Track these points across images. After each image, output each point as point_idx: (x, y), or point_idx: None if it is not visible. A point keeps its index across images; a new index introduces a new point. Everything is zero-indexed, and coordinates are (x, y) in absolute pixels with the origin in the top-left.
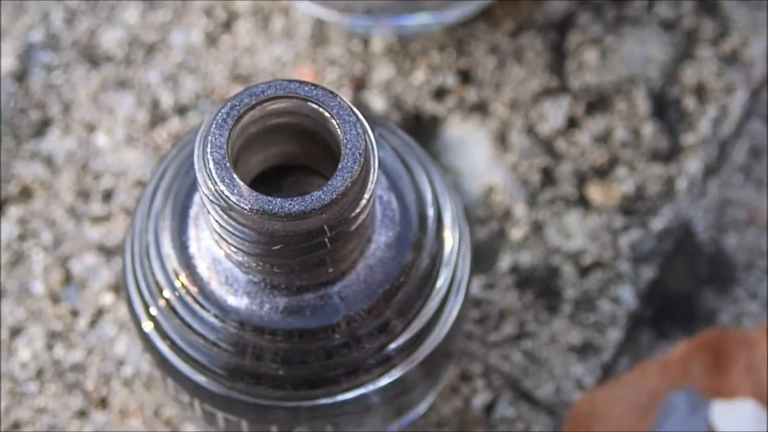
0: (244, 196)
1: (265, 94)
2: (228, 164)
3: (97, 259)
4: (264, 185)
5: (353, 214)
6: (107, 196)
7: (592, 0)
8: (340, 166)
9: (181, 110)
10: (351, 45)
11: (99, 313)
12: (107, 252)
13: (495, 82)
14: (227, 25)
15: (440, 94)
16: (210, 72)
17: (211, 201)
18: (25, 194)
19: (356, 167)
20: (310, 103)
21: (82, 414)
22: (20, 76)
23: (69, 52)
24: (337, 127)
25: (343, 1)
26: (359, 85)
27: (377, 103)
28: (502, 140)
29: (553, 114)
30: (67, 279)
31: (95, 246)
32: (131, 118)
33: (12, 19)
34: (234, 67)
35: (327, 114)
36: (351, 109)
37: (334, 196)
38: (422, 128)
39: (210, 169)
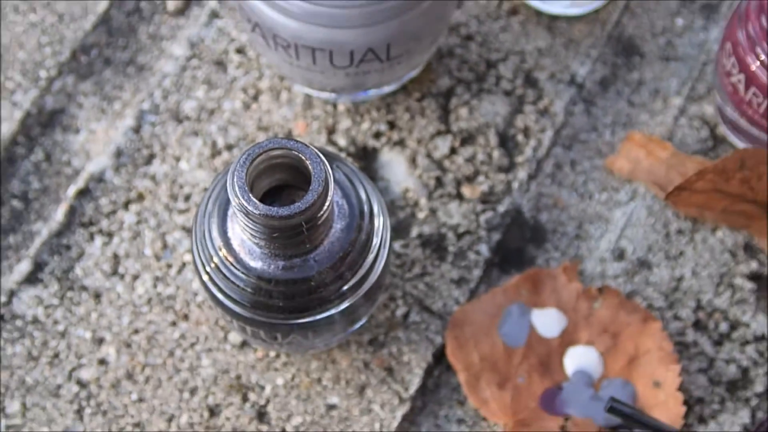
0: (256, 207)
1: (268, 146)
2: (246, 188)
3: (182, 234)
4: (269, 198)
5: (320, 215)
6: (187, 197)
7: (463, 80)
8: (310, 188)
9: (229, 147)
10: (326, 108)
11: (183, 266)
12: (188, 230)
13: (408, 128)
14: (255, 98)
15: (377, 135)
16: (245, 125)
17: (237, 209)
18: (140, 198)
19: (320, 188)
20: (293, 151)
21: (173, 324)
22: (137, 129)
23: (164, 115)
24: (309, 164)
25: (320, 84)
26: (331, 131)
27: (341, 141)
28: (413, 161)
29: (442, 146)
30: (164, 246)
31: (180, 226)
32: (200, 152)
33: (132, 96)
34: (259, 122)
35: (303, 157)
36: (317, 153)
37: (307, 206)
38: (367, 156)
39: (236, 191)
